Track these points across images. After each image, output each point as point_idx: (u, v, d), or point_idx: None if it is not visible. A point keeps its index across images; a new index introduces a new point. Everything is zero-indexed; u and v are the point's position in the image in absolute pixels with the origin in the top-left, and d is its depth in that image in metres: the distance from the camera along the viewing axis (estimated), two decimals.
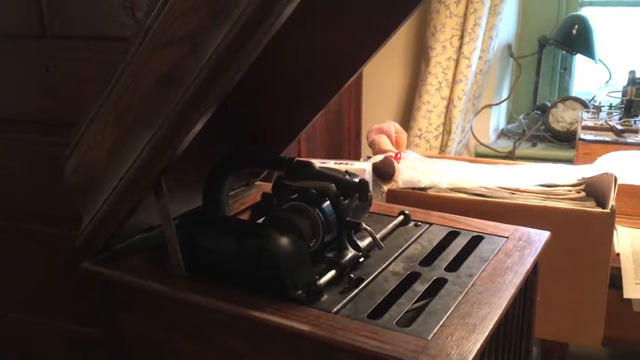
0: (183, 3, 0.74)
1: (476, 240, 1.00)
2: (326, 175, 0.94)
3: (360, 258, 0.92)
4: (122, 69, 0.81)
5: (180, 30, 0.75)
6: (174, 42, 0.76)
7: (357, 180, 0.94)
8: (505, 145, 2.41)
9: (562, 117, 2.33)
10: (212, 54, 0.72)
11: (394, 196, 1.36)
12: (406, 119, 2.39)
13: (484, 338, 0.75)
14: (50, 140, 1.41)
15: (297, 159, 0.96)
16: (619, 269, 1.40)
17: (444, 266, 0.92)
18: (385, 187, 1.58)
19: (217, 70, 0.73)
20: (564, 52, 2.42)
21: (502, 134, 2.53)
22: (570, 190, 1.32)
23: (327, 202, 0.92)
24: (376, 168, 1.62)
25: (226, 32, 0.70)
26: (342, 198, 0.92)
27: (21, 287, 1.56)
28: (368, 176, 1.51)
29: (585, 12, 2.40)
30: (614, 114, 2.00)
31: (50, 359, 1.58)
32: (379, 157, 1.69)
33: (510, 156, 2.34)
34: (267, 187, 1.24)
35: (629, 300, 1.38)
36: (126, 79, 0.81)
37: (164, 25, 0.76)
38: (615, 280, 1.38)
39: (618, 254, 1.42)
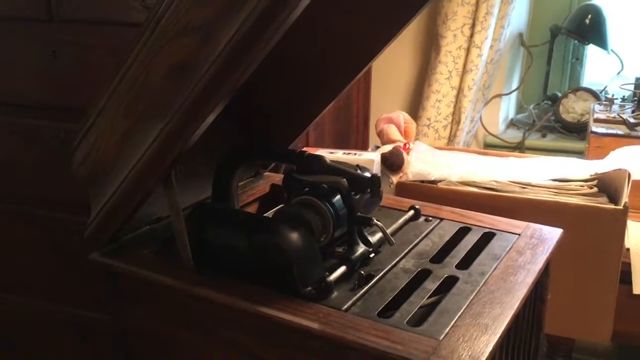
0: None
1: (488, 237, 0.99)
2: (338, 169, 0.92)
3: (370, 254, 0.91)
4: (133, 58, 0.80)
5: (193, 20, 0.73)
6: (186, 33, 0.74)
7: (369, 175, 0.92)
8: (514, 135, 2.39)
9: (572, 107, 2.30)
10: (225, 45, 0.70)
11: (404, 189, 1.35)
12: (415, 107, 2.37)
13: (496, 339, 0.74)
14: (56, 125, 1.41)
15: (308, 152, 0.94)
16: (629, 264, 1.39)
17: (455, 263, 0.91)
18: (394, 178, 1.57)
19: (230, 62, 0.71)
20: (576, 41, 2.39)
21: (512, 124, 2.51)
22: (582, 186, 1.30)
23: (338, 197, 0.90)
24: (385, 158, 1.60)
25: (240, 23, 0.69)
26: (353, 193, 0.91)
27: (28, 271, 1.56)
28: (377, 167, 1.50)
29: (598, 1, 2.36)
30: (627, 106, 1.98)
31: (56, 344, 1.58)
32: (387, 147, 1.68)
33: (519, 147, 2.32)
34: (276, 178, 1.23)
35: (639, 296, 1.38)
36: (136, 69, 0.80)
37: (176, 14, 0.74)
38: (625, 276, 1.37)
39: (628, 249, 1.41)
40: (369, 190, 0.92)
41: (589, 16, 2.24)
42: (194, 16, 0.73)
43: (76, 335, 1.55)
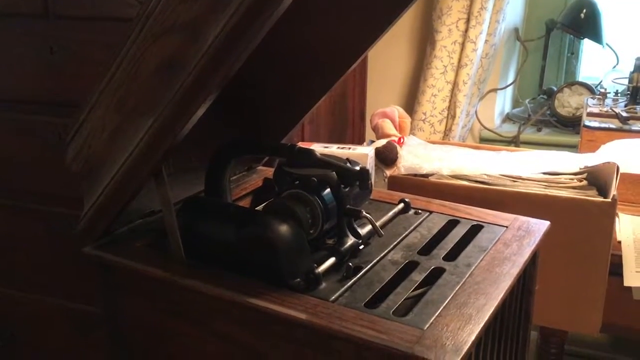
0: None
1: (475, 230, 1.00)
2: (327, 162, 0.94)
3: (360, 246, 0.93)
4: (123, 55, 0.81)
5: (180, 18, 0.75)
6: (174, 30, 0.75)
7: (357, 168, 0.94)
8: (510, 129, 2.40)
9: (568, 102, 2.31)
10: (211, 42, 0.72)
11: (396, 182, 1.36)
12: (411, 102, 2.38)
13: (479, 329, 0.75)
14: (54, 120, 1.42)
15: (298, 146, 0.96)
16: (620, 257, 1.41)
17: (443, 255, 0.92)
18: (388, 172, 1.59)
19: (216, 59, 0.73)
20: (571, 36, 2.39)
21: (507, 118, 2.52)
22: (572, 179, 1.31)
23: (328, 190, 0.92)
24: (379, 153, 1.62)
25: (226, 21, 0.70)
26: (342, 186, 0.92)
27: (28, 265, 1.57)
28: (371, 161, 1.51)
29: None
30: (620, 100, 1.99)
31: (55, 337, 1.60)
32: (382, 142, 1.69)
33: (515, 141, 2.33)
34: (269, 172, 1.24)
35: (629, 288, 1.39)
36: (127, 65, 0.81)
37: (164, 12, 0.76)
38: (616, 268, 1.38)
39: (619, 242, 1.42)
40: (357, 183, 0.94)
41: (584, 11, 2.25)
42: (181, 14, 0.74)
43: (75, 328, 1.57)
